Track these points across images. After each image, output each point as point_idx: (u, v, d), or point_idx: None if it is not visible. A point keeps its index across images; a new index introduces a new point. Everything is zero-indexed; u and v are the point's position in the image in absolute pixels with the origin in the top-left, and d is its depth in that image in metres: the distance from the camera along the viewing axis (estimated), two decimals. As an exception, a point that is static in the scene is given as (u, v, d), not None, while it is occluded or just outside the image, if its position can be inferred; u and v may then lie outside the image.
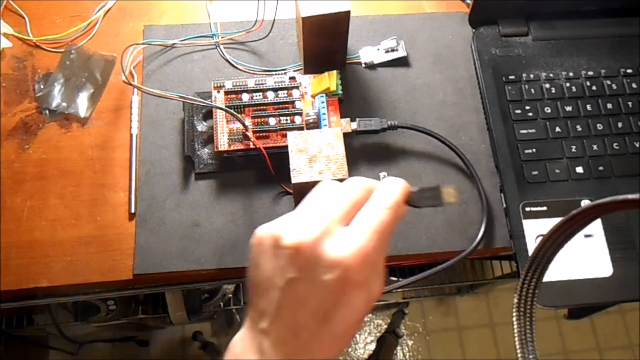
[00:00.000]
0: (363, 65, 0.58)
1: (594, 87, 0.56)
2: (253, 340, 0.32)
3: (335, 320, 0.30)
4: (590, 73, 0.57)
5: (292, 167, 0.43)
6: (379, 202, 0.32)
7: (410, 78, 0.58)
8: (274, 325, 0.31)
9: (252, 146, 0.51)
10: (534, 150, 0.53)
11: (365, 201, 0.33)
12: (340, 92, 0.53)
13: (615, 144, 0.53)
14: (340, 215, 0.32)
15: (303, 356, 0.31)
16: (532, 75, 0.56)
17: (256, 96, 0.53)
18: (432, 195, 0.36)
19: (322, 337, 0.30)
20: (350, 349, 1.29)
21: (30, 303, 0.56)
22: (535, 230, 0.49)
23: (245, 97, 0.53)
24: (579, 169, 0.52)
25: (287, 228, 0.31)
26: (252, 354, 0.32)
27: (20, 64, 0.57)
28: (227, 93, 0.53)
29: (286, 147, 0.44)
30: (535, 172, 0.52)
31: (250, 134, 0.50)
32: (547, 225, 0.49)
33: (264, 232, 0.32)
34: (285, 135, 0.51)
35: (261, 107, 0.53)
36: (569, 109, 0.55)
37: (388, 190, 0.33)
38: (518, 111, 0.55)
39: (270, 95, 0.53)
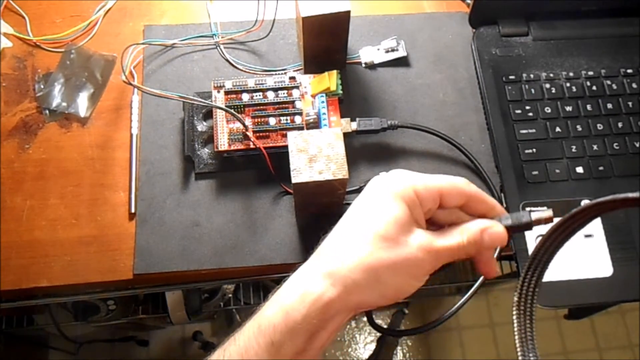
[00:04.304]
0: (363, 65, 0.58)
1: (594, 87, 0.56)
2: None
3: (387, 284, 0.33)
4: (590, 73, 0.57)
5: (292, 167, 0.43)
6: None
7: (410, 78, 0.58)
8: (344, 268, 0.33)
9: (252, 146, 0.51)
10: (534, 150, 0.53)
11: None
12: (340, 92, 0.53)
13: (615, 144, 0.53)
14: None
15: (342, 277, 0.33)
16: (532, 75, 0.56)
17: (256, 96, 0.53)
18: (519, 216, 0.37)
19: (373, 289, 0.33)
20: (350, 349, 1.29)
21: (30, 303, 0.56)
22: (535, 230, 0.49)
23: (245, 97, 0.53)
24: (579, 169, 0.52)
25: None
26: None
27: (21, 63, 0.57)
28: (227, 93, 0.53)
29: (286, 147, 0.44)
30: (535, 172, 0.52)
31: (250, 133, 0.50)
32: (547, 225, 0.48)
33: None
34: (285, 135, 0.51)
35: (261, 107, 0.53)
36: (569, 109, 0.55)
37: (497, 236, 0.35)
38: (518, 111, 0.55)
39: (270, 95, 0.53)
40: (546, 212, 0.35)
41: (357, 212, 0.35)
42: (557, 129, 0.54)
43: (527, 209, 0.39)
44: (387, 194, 0.34)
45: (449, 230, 0.35)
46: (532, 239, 0.49)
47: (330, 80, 0.52)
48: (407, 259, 0.33)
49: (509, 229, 0.35)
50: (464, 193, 0.35)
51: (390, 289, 0.33)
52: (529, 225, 0.35)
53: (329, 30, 0.51)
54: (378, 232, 0.33)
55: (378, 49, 0.58)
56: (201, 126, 0.53)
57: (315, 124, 0.52)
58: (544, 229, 0.33)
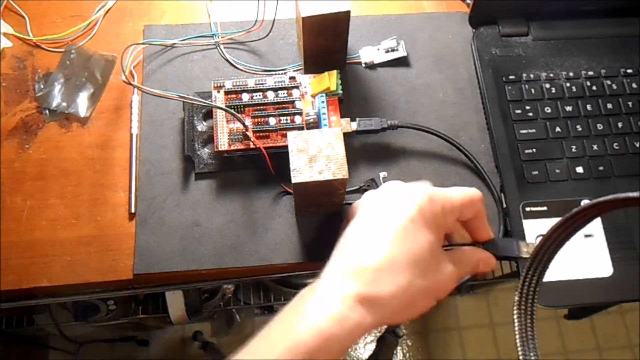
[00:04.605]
0: (363, 65, 0.58)
1: (594, 87, 0.56)
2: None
3: (410, 293, 0.35)
4: (590, 73, 0.57)
5: (292, 167, 0.43)
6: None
7: (410, 78, 0.58)
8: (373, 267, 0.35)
9: (252, 146, 0.51)
10: (534, 150, 0.53)
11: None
12: (340, 92, 0.53)
13: (615, 144, 0.53)
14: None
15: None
16: (532, 75, 0.56)
17: (256, 96, 0.53)
18: (510, 247, 0.42)
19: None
20: (350, 349, 1.29)
21: (30, 303, 0.56)
22: (535, 230, 0.49)
23: (245, 97, 0.53)
24: (579, 169, 0.52)
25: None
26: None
27: (21, 63, 0.57)
28: (227, 93, 0.53)
29: (286, 147, 0.44)
30: (535, 172, 0.52)
31: (250, 133, 0.50)
32: (547, 225, 0.48)
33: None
34: (285, 135, 0.51)
35: (261, 107, 0.53)
36: (569, 109, 0.55)
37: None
38: (518, 111, 0.55)
39: (270, 95, 0.53)
40: (530, 247, 0.40)
41: (390, 234, 0.36)
42: (557, 129, 0.54)
43: (516, 241, 0.42)
44: (422, 219, 0.36)
45: (459, 258, 0.39)
46: (532, 239, 0.49)
47: (330, 80, 0.52)
48: (439, 286, 0.36)
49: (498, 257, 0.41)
50: (477, 208, 0.39)
51: (417, 312, 0.36)
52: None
53: (329, 30, 0.51)
54: (416, 259, 0.35)
55: (378, 49, 0.58)
56: (201, 126, 0.53)
57: (315, 124, 0.52)
58: (544, 229, 0.33)
